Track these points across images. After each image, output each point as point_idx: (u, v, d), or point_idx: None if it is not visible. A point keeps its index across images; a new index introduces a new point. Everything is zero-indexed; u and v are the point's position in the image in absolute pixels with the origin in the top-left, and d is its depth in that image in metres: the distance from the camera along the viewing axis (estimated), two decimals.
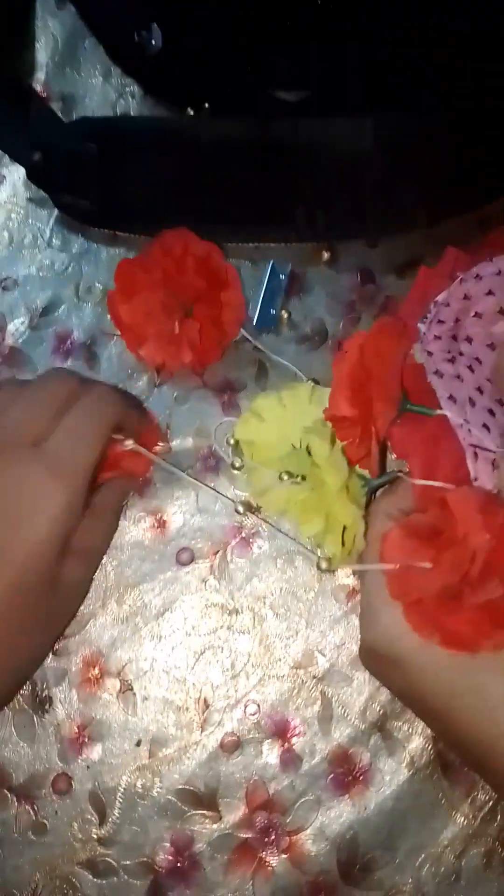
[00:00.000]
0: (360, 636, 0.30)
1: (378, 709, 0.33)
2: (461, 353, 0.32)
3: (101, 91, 0.43)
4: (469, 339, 0.33)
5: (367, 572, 0.27)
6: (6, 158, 0.42)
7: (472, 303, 0.33)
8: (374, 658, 0.27)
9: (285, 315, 0.39)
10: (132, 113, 0.43)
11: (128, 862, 0.31)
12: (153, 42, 0.39)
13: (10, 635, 0.28)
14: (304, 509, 0.31)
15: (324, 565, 0.30)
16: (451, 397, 0.30)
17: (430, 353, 0.31)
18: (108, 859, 0.31)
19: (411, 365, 0.32)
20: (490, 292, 0.33)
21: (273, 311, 0.39)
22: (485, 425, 0.30)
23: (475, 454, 0.29)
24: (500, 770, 0.23)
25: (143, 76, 0.43)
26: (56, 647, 0.33)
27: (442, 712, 0.24)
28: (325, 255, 0.40)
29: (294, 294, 0.39)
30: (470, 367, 0.32)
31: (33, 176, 0.40)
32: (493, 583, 0.24)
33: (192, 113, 0.42)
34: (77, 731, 0.33)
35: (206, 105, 0.42)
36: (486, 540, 0.24)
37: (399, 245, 0.40)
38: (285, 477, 0.32)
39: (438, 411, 0.30)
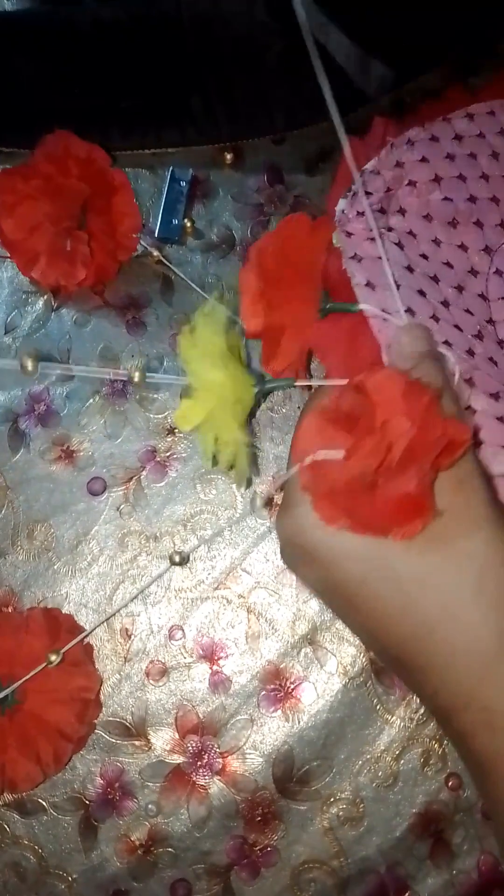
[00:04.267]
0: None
1: (307, 621, 0.32)
2: (390, 229, 0.30)
3: None
4: (402, 211, 0.30)
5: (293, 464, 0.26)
6: None
7: (405, 171, 0.30)
8: (289, 552, 0.25)
9: (189, 224, 0.36)
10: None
11: (56, 799, 0.30)
12: None
13: None
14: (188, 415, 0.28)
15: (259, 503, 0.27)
16: (368, 284, 0.28)
17: (349, 235, 0.29)
18: (36, 798, 0.30)
19: (334, 260, 0.29)
20: (424, 159, 0.30)
21: (175, 221, 0.36)
22: (409, 310, 0.28)
23: (390, 347, 0.27)
24: (414, 662, 0.22)
25: None
26: None
27: (354, 601, 0.23)
28: (229, 157, 0.37)
29: (197, 200, 0.37)
30: (399, 244, 0.29)
31: None
32: (411, 472, 0.22)
33: None
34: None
35: None
36: (407, 428, 0.22)
37: (307, 138, 0.37)
38: None
39: (358, 307, 0.27)
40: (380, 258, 0.29)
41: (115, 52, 0.35)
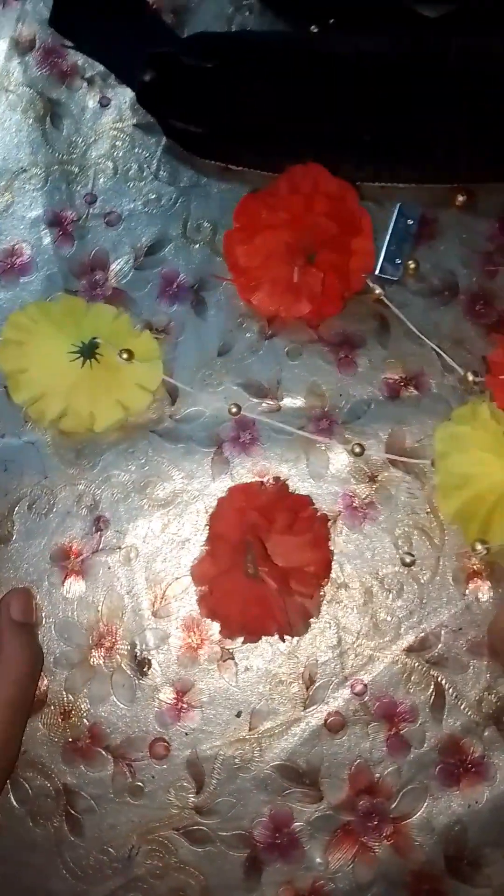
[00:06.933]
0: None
1: (495, 700, 0.30)
2: None
3: (217, 3, 0.39)
4: None
5: None
6: (112, 78, 0.39)
7: None
8: (500, 648, 0.24)
9: (412, 265, 0.35)
10: (250, 29, 0.39)
11: (225, 833, 0.30)
12: None
13: None
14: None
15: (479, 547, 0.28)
16: None
17: None
18: (205, 828, 0.30)
19: None
20: None
21: (399, 261, 0.35)
22: None
23: None
24: None
25: None
26: (156, 608, 0.32)
27: None
28: (461, 199, 0.36)
29: (423, 241, 0.35)
30: None
31: (143, 98, 0.37)
32: None
33: (315, 30, 0.37)
34: (176, 696, 0.31)
35: (332, 21, 0.38)
36: None
37: None
38: None
39: None
40: None
41: (367, 87, 0.34)
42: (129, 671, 0.32)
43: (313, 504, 0.32)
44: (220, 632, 0.30)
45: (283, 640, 0.31)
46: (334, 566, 0.32)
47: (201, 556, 0.31)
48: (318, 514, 0.32)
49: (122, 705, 0.31)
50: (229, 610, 0.30)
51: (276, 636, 0.31)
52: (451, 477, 0.29)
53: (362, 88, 0.33)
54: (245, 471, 0.33)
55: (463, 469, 0.28)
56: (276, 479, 0.32)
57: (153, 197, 0.37)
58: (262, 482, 0.32)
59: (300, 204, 0.31)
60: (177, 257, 0.36)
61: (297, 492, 0.33)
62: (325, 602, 0.32)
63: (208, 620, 0.31)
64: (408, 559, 0.32)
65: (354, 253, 0.33)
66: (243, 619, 0.29)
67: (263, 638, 0.31)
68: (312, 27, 0.38)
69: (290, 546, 0.31)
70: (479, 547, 0.29)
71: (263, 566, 0.29)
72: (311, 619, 0.31)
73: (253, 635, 0.30)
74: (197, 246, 0.36)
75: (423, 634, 0.31)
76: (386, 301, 0.34)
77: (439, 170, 0.35)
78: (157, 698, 0.31)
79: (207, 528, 0.31)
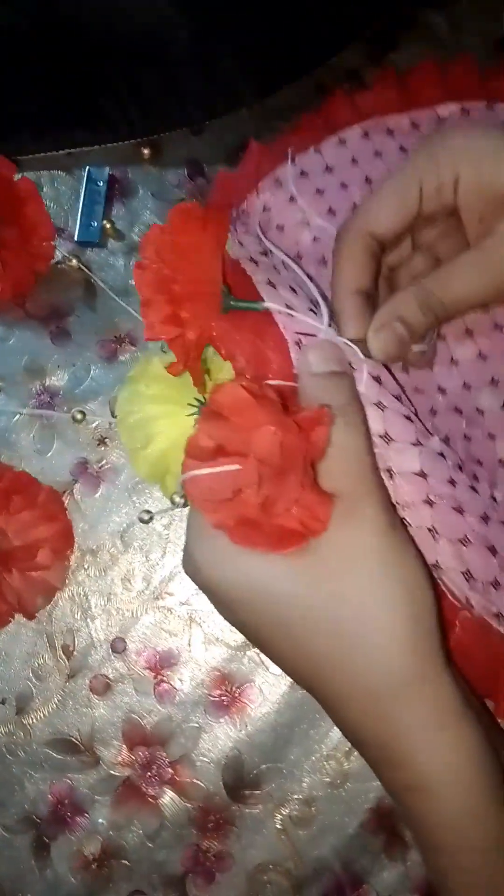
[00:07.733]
0: None
1: None
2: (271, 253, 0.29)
3: None
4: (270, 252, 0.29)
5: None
6: None
7: (273, 215, 0.29)
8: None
9: (108, 225, 0.35)
10: None
11: (7, 821, 0.30)
12: None
13: None
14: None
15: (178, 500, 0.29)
16: (269, 282, 0.27)
17: (242, 244, 0.28)
18: None
19: (230, 258, 0.28)
20: (292, 199, 0.29)
21: (94, 224, 0.35)
22: (311, 310, 0.27)
23: (298, 343, 0.26)
24: (324, 696, 0.22)
25: None
26: None
27: (256, 642, 0.23)
28: (146, 152, 0.36)
29: (116, 200, 0.36)
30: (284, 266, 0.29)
31: None
32: (292, 477, 0.21)
33: None
34: None
35: None
36: (272, 434, 0.21)
37: (226, 128, 0.36)
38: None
39: (264, 304, 0.27)
40: (274, 267, 0.28)
41: (16, 57, 0.33)
42: None
43: (32, 479, 0.31)
44: None
45: (28, 619, 0.31)
46: (78, 533, 0.32)
47: None
48: (45, 487, 0.31)
49: None
50: None
51: (20, 616, 0.31)
52: (135, 439, 0.29)
53: (8, 60, 0.33)
54: None
55: (145, 428, 0.29)
56: None
57: None
58: None
59: None
60: None
61: (25, 471, 0.33)
62: (71, 571, 0.32)
63: None
64: (145, 517, 0.32)
65: (30, 223, 0.32)
66: None
67: (14, 620, 0.31)
68: None
69: (20, 524, 0.30)
70: (177, 499, 0.29)
71: None
72: (58, 590, 0.31)
73: None
74: None
75: (172, 579, 0.32)
76: (84, 268, 0.34)
77: (114, 128, 0.35)
78: None
79: None
